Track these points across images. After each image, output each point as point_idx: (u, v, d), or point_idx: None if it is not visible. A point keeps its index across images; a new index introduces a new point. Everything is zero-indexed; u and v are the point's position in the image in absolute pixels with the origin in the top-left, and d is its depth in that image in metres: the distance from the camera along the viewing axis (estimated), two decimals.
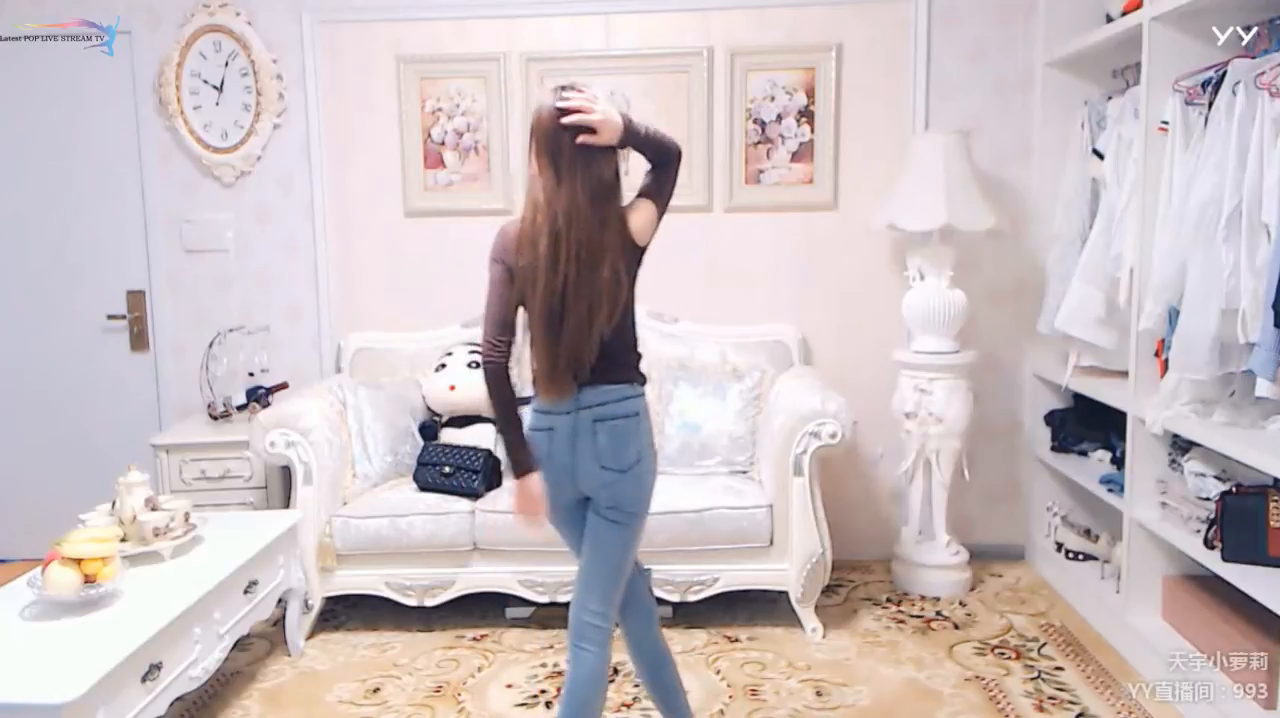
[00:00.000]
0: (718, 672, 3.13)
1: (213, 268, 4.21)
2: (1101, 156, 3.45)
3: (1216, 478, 2.84)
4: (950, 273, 3.67)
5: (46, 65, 4.12)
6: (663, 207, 2.22)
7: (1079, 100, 3.75)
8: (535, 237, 2.13)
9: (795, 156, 4.03)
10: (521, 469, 2.23)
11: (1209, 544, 2.74)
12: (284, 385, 4.05)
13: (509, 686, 3.07)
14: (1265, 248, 2.54)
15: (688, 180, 3.81)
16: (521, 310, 2.20)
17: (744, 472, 3.62)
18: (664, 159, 2.21)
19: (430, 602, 3.41)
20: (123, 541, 2.78)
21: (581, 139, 2.11)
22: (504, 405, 2.20)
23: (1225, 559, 2.67)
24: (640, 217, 2.19)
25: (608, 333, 2.17)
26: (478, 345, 3.84)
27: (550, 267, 2.11)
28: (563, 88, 2.15)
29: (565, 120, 2.10)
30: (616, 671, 3.13)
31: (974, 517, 4.11)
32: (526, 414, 2.25)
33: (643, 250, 2.22)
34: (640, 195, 2.22)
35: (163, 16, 4.09)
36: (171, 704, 2.52)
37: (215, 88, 4.10)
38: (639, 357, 2.29)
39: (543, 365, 2.17)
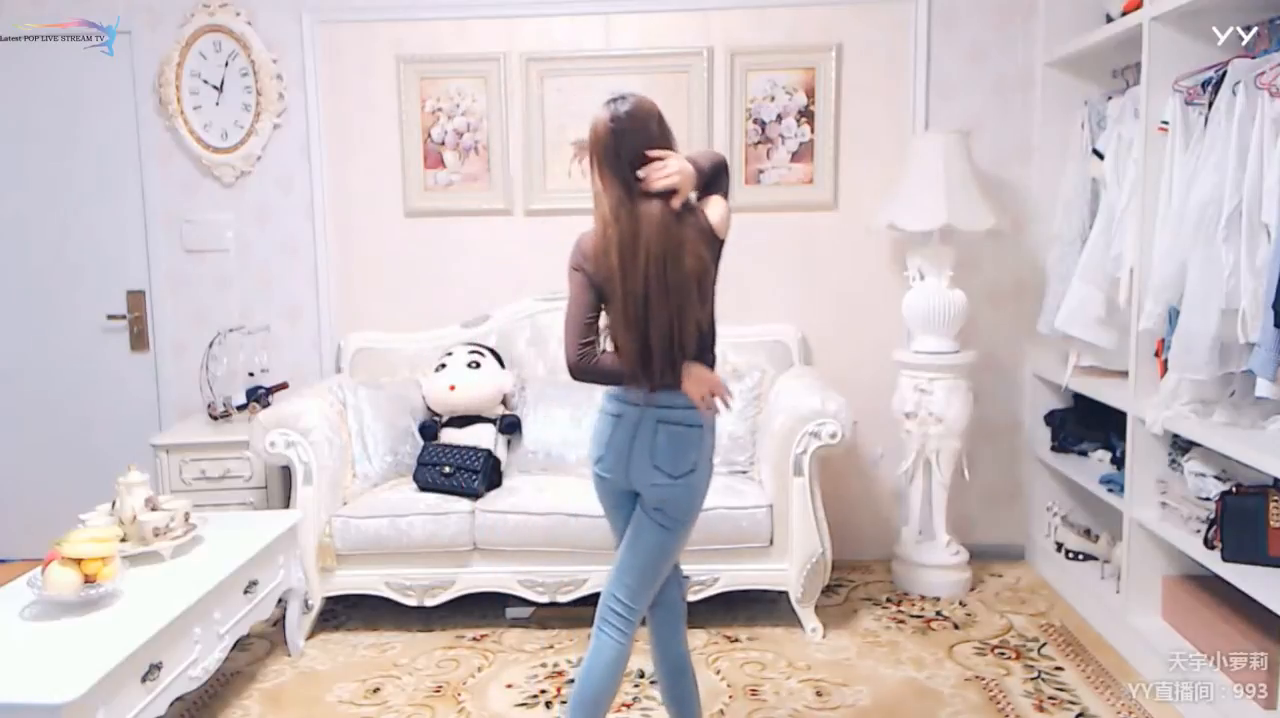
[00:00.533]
0: (718, 672, 3.13)
1: (213, 268, 4.21)
2: (1101, 156, 3.45)
3: (1216, 478, 2.84)
4: (950, 273, 3.67)
5: (46, 65, 4.12)
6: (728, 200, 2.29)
7: (1079, 100, 3.75)
8: (607, 248, 2.14)
9: (795, 156, 4.03)
10: (676, 374, 2.19)
11: (1209, 544, 2.74)
12: (284, 385, 4.05)
13: (509, 686, 3.07)
14: (1265, 248, 2.54)
15: None
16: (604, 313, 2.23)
17: (744, 472, 3.62)
18: (719, 172, 2.29)
19: (430, 602, 3.41)
20: (123, 540, 2.78)
21: (673, 202, 2.14)
22: (613, 375, 2.23)
23: (1225, 559, 2.67)
24: (717, 210, 2.23)
25: (705, 323, 2.21)
26: (478, 345, 3.89)
27: (629, 273, 2.12)
28: (614, 100, 2.17)
29: (654, 188, 2.13)
30: None
31: (974, 517, 4.11)
32: (602, 397, 2.31)
33: (722, 244, 2.24)
34: (706, 193, 2.25)
35: (163, 16, 4.09)
36: (171, 704, 2.52)
37: (215, 88, 4.10)
38: (714, 358, 2.31)
39: (633, 365, 2.18)
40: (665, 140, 2.19)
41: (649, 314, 2.13)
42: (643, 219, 2.12)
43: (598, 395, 2.35)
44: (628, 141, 2.13)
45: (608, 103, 2.17)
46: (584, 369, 2.21)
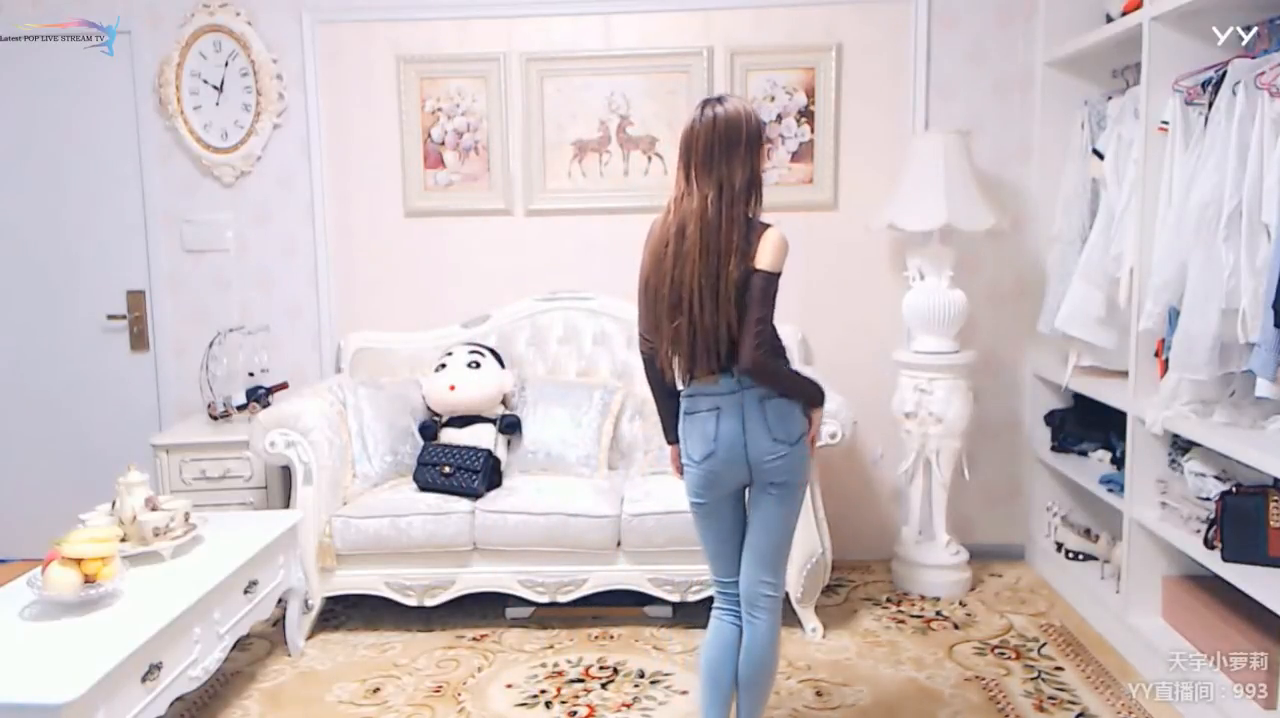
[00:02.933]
0: None
1: (213, 268, 4.21)
2: (1101, 156, 3.45)
3: (1216, 478, 2.84)
4: (950, 273, 3.67)
5: (46, 65, 4.12)
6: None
7: (1079, 100, 3.75)
8: (666, 233, 2.26)
9: (795, 157, 4.03)
10: (672, 438, 2.47)
11: (1209, 544, 2.74)
12: (284, 385, 4.05)
13: (509, 686, 3.07)
14: (1265, 248, 2.54)
15: None
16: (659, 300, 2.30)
17: None
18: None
19: (430, 602, 3.41)
20: (123, 540, 2.78)
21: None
22: (658, 385, 2.42)
23: (1225, 559, 2.67)
24: (770, 241, 2.24)
25: (733, 326, 2.23)
26: (478, 345, 3.89)
27: (676, 260, 2.22)
28: (708, 103, 2.27)
29: None
30: (616, 670, 3.14)
31: (974, 517, 4.11)
32: (687, 399, 2.36)
33: (758, 272, 2.22)
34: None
35: (163, 16, 4.09)
36: (171, 704, 2.52)
37: (215, 88, 4.11)
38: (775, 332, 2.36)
39: (682, 355, 2.28)
40: (748, 152, 2.23)
41: (692, 299, 2.21)
42: (692, 212, 2.22)
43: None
44: (703, 144, 2.23)
45: (702, 103, 2.28)
46: (646, 357, 2.39)
